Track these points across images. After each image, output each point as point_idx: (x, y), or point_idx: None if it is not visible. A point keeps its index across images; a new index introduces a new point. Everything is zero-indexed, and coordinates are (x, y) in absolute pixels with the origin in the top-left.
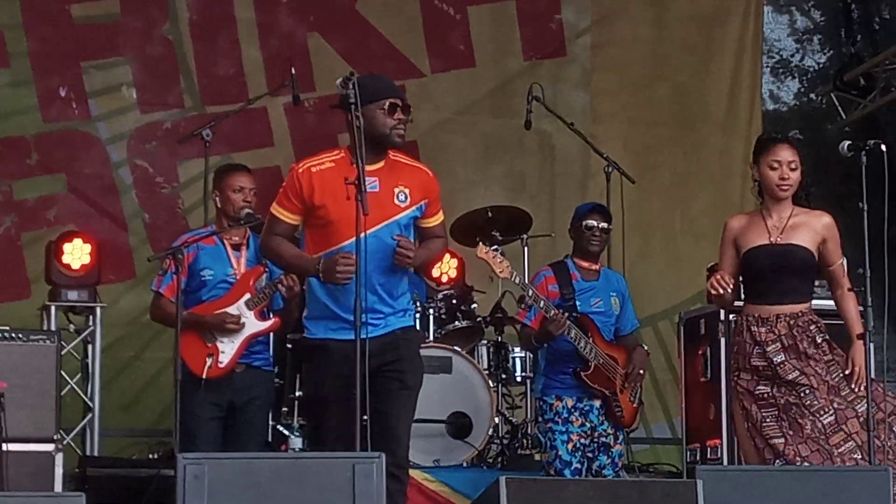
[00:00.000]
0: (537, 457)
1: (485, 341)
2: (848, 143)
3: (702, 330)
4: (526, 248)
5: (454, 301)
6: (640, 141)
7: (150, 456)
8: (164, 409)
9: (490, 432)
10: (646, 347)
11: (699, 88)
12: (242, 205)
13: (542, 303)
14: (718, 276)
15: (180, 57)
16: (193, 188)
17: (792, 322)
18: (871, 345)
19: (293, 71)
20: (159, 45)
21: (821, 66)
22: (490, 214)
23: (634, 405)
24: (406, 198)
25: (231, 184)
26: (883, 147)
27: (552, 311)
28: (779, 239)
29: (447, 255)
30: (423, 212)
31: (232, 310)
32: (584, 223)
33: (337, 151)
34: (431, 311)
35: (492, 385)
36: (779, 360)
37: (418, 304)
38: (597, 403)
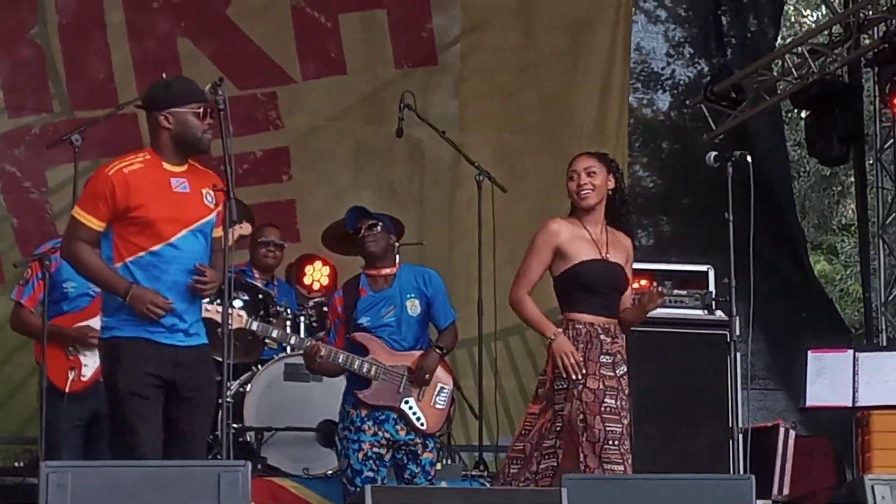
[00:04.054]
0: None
1: None
2: (714, 153)
3: None
4: (398, 257)
5: (325, 308)
6: (507, 148)
7: (15, 464)
8: (30, 415)
9: None
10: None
11: (567, 96)
12: None
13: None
14: (573, 360)
15: (49, 61)
16: (62, 193)
17: (611, 333)
18: (738, 354)
19: (164, 76)
20: (27, 49)
21: (692, 77)
22: None
23: (440, 408)
24: (212, 199)
25: None
26: (749, 158)
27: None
28: (607, 256)
29: (319, 262)
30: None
31: (94, 323)
32: (356, 227)
33: (142, 153)
34: (302, 318)
35: None
36: (622, 373)
37: (288, 311)
38: (393, 414)
